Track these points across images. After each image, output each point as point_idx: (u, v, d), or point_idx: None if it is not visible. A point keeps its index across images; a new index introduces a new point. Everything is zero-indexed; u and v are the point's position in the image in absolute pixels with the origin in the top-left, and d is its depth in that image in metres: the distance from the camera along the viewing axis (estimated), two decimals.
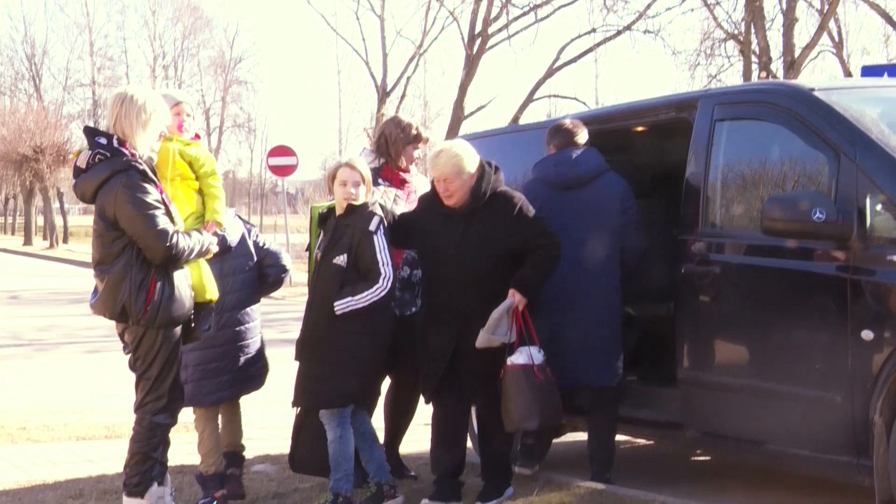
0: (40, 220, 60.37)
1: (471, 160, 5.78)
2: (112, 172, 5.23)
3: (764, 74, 22.40)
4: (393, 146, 6.49)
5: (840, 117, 5.39)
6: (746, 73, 24.51)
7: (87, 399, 10.85)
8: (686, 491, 6.11)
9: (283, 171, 26.55)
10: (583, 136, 6.38)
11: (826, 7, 25.13)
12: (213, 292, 5.66)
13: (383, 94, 34.82)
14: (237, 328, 6.10)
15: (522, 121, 29.76)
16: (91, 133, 5.38)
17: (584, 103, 36.99)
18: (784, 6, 23.93)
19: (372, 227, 5.74)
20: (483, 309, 5.62)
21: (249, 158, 60.58)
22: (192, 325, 5.53)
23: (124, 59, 57.24)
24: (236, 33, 58.93)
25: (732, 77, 27.47)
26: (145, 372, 5.37)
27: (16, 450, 7.77)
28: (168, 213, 5.29)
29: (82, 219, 68.61)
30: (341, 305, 5.67)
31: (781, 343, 5.46)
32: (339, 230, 5.82)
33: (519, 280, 5.69)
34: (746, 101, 6.06)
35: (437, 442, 5.95)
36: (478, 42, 30.70)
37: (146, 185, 5.24)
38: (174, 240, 5.22)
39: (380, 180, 6.31)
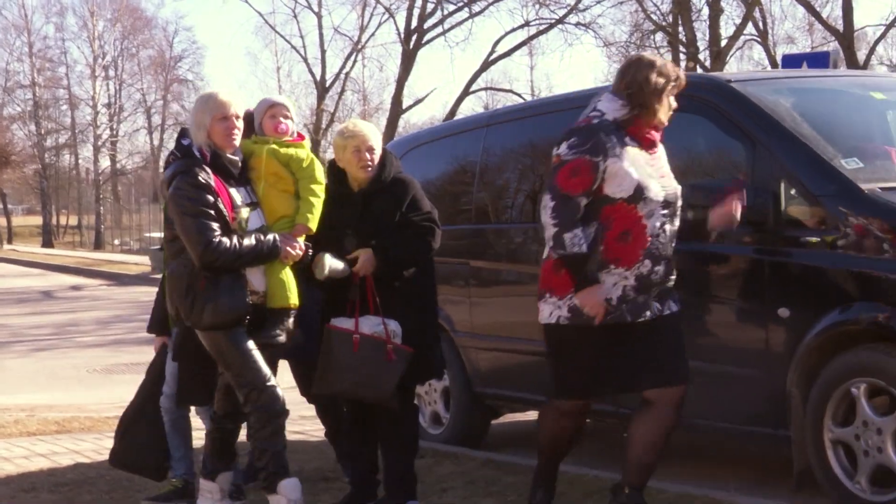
0: None
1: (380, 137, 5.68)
2: (174, 173, 5.15)
3: (692, 65, 22.80)
4: (653, 95, 4.96)
5: (755, 107, 5.60)
6: (675, 64, 24.90)
7: (36, 396, 10.91)
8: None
9: None
10: None
11: None
12: (285, 299, 5.24)
13: (322, 90, 34.94)
14: None
15: (460, 114, 30.00)
16: (180, 134, 5.42)
17: (520, 95, 37.46)
18: None
19: None
20: (383, 294, 5.36)
21: None
22: (265, 329, 5.25)
23: (64, 60, 56.74)
24: (175, 32, 58.29)
25: None
26: (224, 374, 5.26)
27: None
28: (220, 219, 5.08)
29: (26, 219, 67.60)
30: None
31: (705, 323, 5.65)
32: None
33: (378, 243, 5.37)
34: None
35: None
36: (414, 37, 30.90)
37: (198, 190, 5.05)
38: (213, 245, 5.00)
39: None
